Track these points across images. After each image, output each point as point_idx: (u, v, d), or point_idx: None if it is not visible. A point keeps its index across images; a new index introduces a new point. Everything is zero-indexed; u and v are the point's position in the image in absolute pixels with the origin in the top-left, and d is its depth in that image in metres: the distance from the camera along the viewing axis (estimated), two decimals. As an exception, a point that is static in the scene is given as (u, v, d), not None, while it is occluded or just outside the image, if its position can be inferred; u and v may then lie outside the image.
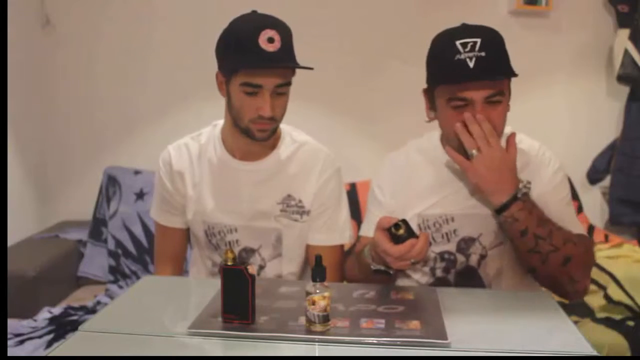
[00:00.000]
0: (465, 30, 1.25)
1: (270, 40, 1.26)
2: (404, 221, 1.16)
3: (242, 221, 1.43)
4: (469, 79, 1.21)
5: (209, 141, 1.47)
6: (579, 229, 1.34)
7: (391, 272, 1.25)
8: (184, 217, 1.49)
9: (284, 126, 1.46)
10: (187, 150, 1.47)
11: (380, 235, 1.17)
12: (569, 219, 1.34)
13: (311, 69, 1.30)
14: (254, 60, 1.26)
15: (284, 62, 1.29)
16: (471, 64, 1.20)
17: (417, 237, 1.15)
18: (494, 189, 1.24)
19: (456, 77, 1.22)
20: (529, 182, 1.34)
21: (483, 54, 1.20)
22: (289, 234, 1.44)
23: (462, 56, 1.21)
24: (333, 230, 1.46)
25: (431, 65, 1.31)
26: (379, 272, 1.25)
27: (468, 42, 1.21)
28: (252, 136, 1.35)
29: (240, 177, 1.43)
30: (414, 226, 1.21)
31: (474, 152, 1.24)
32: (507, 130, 1.35)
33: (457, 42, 1.22)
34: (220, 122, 1.48)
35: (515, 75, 1.25)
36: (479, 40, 1.21)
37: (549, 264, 1.25)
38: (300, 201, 1.43)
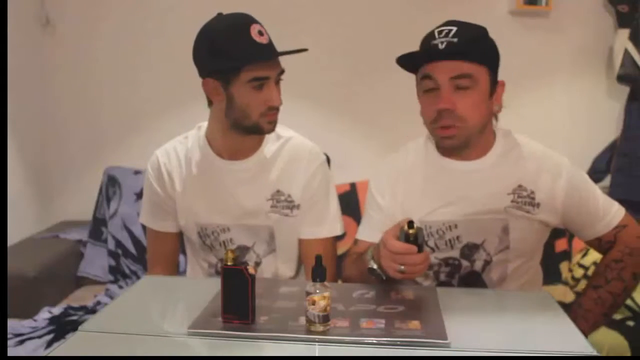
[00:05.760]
0: (448, 21, 1.29)
1: (260, 33, 1.31)
2: (420, 229, 1.13)
3: (233, 220, 1.43)
4: (435, 57, 1.26)
5: (194, 144, 1.47)
6: (612, 212, 1.36)
7: (384, 277, 1.20)
8: (175, 221, 1.49)
9: None
10: (175, 154, 1.48)
11: (389, 234, 1.15)
12: (602, 211, 1.36)
13: (306, 50, 1.33)
14: (259, 53, 1.29)
15: (277, 51, 1.33)
16: (441, 47, 1.25)
17: (422, 249, 1.13)
18: None
19: (426, 57, 1.28)
20: (532, 192, 1.32)
21: (455, 40, 1.24)
22: (280, 229, 1.44)
23: (436, 41, 1.26)
24: (323, 223, 1.46)
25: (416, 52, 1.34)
26: (372, 272, 1.22)
27: (444, 30, 1.27)
28: (261, 131, 1.37)
29: (228, 176, 1.43)
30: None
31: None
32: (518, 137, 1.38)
33: (436, 31, 1.28)
34: (204, 124, 1.48)
35: (485, 64, 1.27)
36: (454, 29, 1.26)
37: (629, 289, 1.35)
38: (289, 196, 1.44)
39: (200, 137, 1.46)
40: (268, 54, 1.31)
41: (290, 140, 1.47)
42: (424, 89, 1.30)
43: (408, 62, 1.30)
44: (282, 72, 1.36)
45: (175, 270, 1.57)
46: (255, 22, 1.31)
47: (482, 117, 1.29)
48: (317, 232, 1.46)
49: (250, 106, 1.33)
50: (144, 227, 2.27)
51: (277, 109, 1.35)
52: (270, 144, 1.45)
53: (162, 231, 1.51)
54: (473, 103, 1.26)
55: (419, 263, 1.12)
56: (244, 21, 1.30)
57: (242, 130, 1.37)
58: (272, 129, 1.38)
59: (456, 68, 1.25)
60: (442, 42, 1.25)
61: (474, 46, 1.25)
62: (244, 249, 1.45)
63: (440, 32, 1.26)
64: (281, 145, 1.46)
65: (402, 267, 1.11)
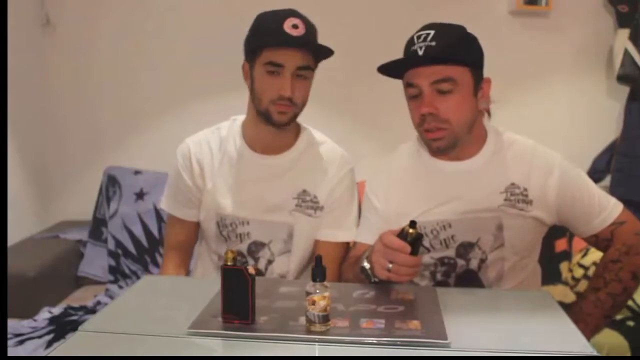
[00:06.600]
0: (427, 25, 1.30)
1: (295, 26, 1.33)
2: (420, 234, 1.14)
3: (255, 214, 1.45)
4: (415, 64, 1.27)
5: (228, 134, 1.49)
6: (608, 209, 1.34)
7: (372, 278, 1.20)
8: (198, 210, 1.50)
9: (305, 125, 1.51)
10: (207, 144, 1.49)
11: (389, 231, 1.15)
12: (597, 208, 1.34)
13: (332, 51, 1.36)
14: (276, 40, 1.32)
15: (305, 45, 1.34)
16: (420, 53, 1.25)
17: (416, 252, 1.13)
18: None
19: (407, 65, 1.29)
20: (525, 190, 1.33)
21: (433, 43, 1.25)
22: (300, 229, 1.45)
23: (415, 47, 1.27)
24: (342, 227, 1.47)
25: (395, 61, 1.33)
26: (363, 271, 1.22)
27: (422, 34, 1.27)
28: (271, 119, 1.38)
29: (258, 170, 1.45)
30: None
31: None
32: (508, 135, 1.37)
33: (415, 36, 1.29)
34: (240, 117, 1.51)
35: (467, 64, 1.27)
36: (432, 32, 1.26)
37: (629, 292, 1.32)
38: (315, 197, 1.45)
39: (235, 129, 1.49)
40: (286, 41, 1.32)
41: (324, 144, 1.51)
42: (409, 95, 1.32)
43: (389, 71, 1.31)
44: (305, 67, 1.36)
45: (189, 258, 1.58)
46: (295, 16, 1.34)
47: (466, 117, 1.29)
48: (334, 234, 1.47)
49: (264, 91, 1.36)
50: (144, 228, 2.33)
51: (288, 100, 1.35)
52: (303, 144, 1.48)
53: (184, 219, 1.52)
54: (455, 105, 1.27)
55: (408, 265, 1.12)
56: (284, 13, 1.35)
57: (261, 118, 1.40)
58: (283, 121, 1.39)
59: (436, 72, 1.26)
60: (420, 48, 1.26)
61: (453, 48, 1.25)
62: (259, 245, 1.46)
63: (418, 37, 1.27)
64: (314, 147, 1.49)
65: (390, 266, 1.12)
